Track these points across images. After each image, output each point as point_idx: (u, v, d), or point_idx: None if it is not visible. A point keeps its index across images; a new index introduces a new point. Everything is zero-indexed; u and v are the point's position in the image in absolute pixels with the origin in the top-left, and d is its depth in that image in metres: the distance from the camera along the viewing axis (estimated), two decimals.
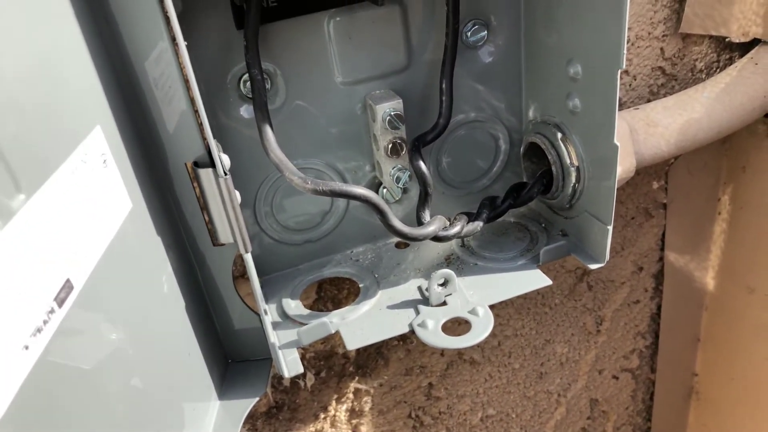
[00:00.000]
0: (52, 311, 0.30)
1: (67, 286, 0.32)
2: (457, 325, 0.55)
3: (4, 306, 0.27)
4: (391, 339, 0.80)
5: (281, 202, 0.61)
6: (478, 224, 0.59)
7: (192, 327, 0.49)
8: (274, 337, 0.52)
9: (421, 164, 0.57)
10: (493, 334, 0.86)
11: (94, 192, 0.36)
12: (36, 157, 0.31)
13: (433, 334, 0.53)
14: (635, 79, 0.74)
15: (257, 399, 0.55)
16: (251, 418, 0.76)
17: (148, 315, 0.42)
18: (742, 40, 0.72)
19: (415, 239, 0.56)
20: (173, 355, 0.46)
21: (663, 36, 0.73)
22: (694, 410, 1.09)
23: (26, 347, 0.28)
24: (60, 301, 0.31)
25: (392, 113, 0.56)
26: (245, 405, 0.54)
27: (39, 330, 0.29)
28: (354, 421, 0.83)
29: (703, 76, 0.78)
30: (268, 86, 0.55)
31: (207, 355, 0.52)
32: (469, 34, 0.59)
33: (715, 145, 0.82)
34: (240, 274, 0.65)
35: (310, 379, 0.76)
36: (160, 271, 0.44)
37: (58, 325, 0.31)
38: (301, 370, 0.52)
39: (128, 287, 0.39)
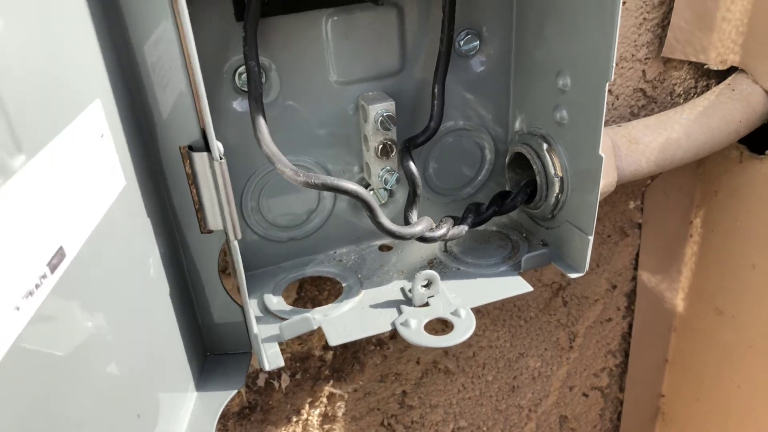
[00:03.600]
0: (44, 276, 0.30)
1: (60, 253, 0.31)
2: (435, 333, 0.55)
3: None
4: (368, 344, 0.80)
5: (268, 198, 0.61)
6: (463, 228, 0.60)
7: (174, 314, 0.49)
8: (256, 328, 0.51)
9: (411, 165, 0.58)
10: (468, 345, 0.87)
11: (91, 163, 0.36)
12: (38, 120, 0.31)
13: (415, 333, 0.53)
14: (617, 99, 0.76)
15: (235, 392, 0.55)
16: (223, 417, 0.75)
17: (133, 295, 0.42)
18: (720, 67, 0.75)
19: (403, 238, 0.56)
20: (154, 339, 0.46)
21: (645, 59, 0.75)
22: (660, 431, 1.11)
23: (18, 308, 0.28)
24: (53, 266, 0.31)
25: (384, 114, 0.57)
26: (223, 398, 0.53)
27: (31, 293, 0.29)
28: (326, 427, 0.82)
29: (681, 100, 0.81)
30: (263, 80, 0.55)
31: (187, 345, 0.51)
32: (461, 43, 0.61)
33: (690, 168, 0.85)
34: (222, 269, 0.64)
35: (285, 381, 0.76)
36: (149, 253, 0.44)
37: (50, 291, 0.30)
38: (282, 363, 0.52)
39: (119, 263, 0.39)
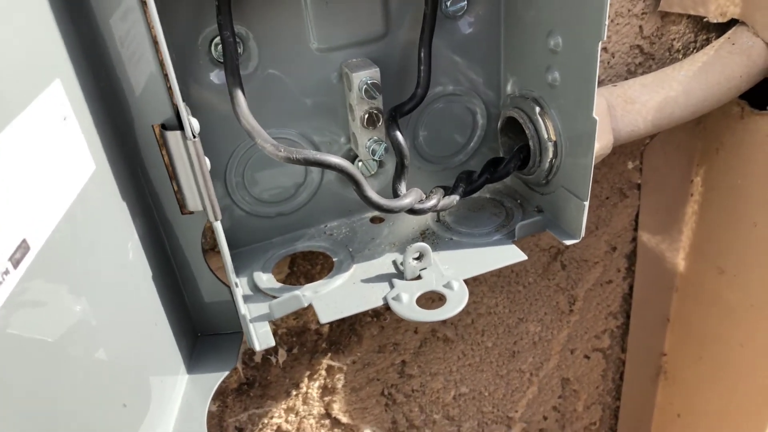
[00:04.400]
0: (6, 272, 0.29)
1: (23, 247, 0.30)
2: (431, 302, 0.55)
3: None
4: (364, 315, 0.79)
5: (253, 173, 0.59)
6: (455, 198, 0.59)
7: (159, 297, 0.48)
8: (245, 309, 0.50)
9: (398, 135, 0.56)
10: (466, 312, 0.86)
11: (53, 150, 0.34)
12: None
13: (407, 308, 0.52)
14: (613, 57, 0.74)
15: (227, 373, 0.54)
16: (221, 394, 0.75)
17: (112, 282, 0.41)
18: (720, 20, 0.72)
19: (391, 211, 0.55)
20: (139, 325, 0.45)
21: (642, 14, 0.72)
22: (662, 390, 1.11)
23: None
24: (15, 261, 0.29)
25: (369, 82, 0.54)
26: (215, 379, 0.53)
27: None
28: (326, 399, 0.82)
29: (680, 56, 0.78)
30: (240, 51, 0.53)
31: (175, 328, 0.50)
32: (448, 3, 0.58)
33: (690, 125, 0.82)
34: (210, 247, 0.63)
35: (282, 356, 0.75)
36: (125, 237, 0.43)
37: (13, 288, 0.29)
38: (273, 342, 0.51)
39: (91, 251, 0.37)
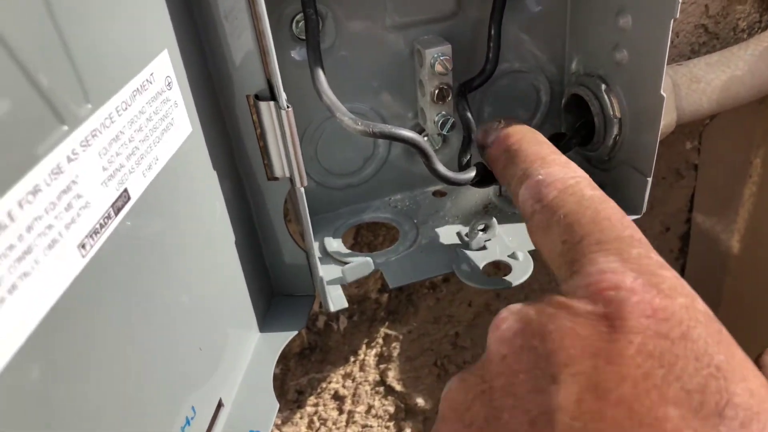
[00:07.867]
0: (108, 217, 0.32)
1: (124, 196, 0.33)
2: (495, 273, 0.57)
3: (69, 201, 0.29)
4: (421, 287, 0.82)
5: (325, 146, 0.62)
6: None
7: (241, 256, 0.51)
8: (322, 271, 0.53)
9: (467, 109, 0.58)
10: (520, 288, 0.88)
11: (158, 111, 0.37)
12: (105, 70, 0.32)
13: (474, 275, 0.55)
14: (677, 36, 0.74)
15: (296, 332, 0.57)
16: (284, 358, 0.79)
17: (199, 235, 0.44)
18: None
19: (457, 183, 0.57)
20: (221, 278, 0.48)
21: None
22: None
23: (83, 246, 0.30)
24: (117, 209, 0.33)
25: (441, 58, 0.57)
26: (285, 338, 0.56)
27: (96, 232, 0.31)
28: (382, 366, 0.85)
29: (745, 36, 0.77)
30: (320, 27, 0.55)
31: (254, 285, 0.54)
32: None
33: (752, 106, 0.82)
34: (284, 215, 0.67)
35: (343, 322, 0.79)
36: (214, 197, 0.46)
37: (113, 231, 0.32)
38: (346, 304, 0.54)
39: (182, 205, 0.41)
